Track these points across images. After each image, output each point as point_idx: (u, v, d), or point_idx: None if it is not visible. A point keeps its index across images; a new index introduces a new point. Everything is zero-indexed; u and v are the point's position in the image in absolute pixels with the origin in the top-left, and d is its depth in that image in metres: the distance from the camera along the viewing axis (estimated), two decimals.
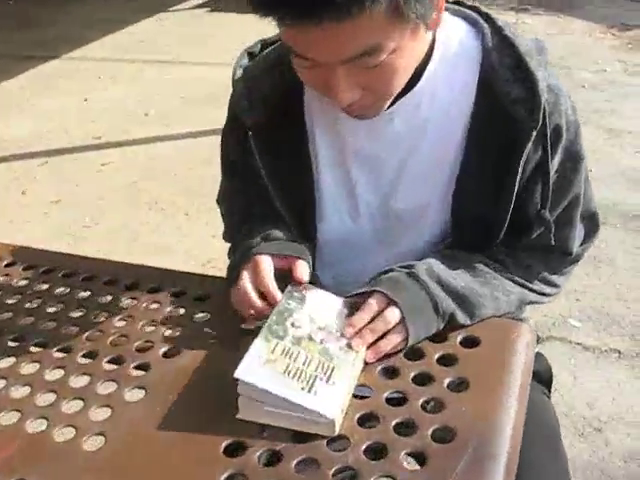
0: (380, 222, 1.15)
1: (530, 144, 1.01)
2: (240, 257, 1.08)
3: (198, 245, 3.14)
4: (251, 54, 1.18)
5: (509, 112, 1.01)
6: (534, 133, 1.01)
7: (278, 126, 1.12)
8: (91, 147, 4.25)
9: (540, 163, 1.04)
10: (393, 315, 0.96)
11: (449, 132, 1.07)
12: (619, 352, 2.38)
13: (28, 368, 1.01)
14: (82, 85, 5.35)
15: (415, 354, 0.98)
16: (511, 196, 1.05)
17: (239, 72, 1.15)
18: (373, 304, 0.98)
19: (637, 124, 4.21)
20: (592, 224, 1.20)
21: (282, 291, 1.02)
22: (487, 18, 1.08)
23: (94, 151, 4.20)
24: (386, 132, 1.08)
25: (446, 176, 1.09)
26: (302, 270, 1.05)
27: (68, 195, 3.68)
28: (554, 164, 1.06)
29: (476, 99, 1.05)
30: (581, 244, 1.20)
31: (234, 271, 1.07)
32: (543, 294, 1.16)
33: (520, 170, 1.03)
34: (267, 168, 1.14)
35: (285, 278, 1.05)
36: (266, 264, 1.03)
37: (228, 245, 1.28)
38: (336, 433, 0.86)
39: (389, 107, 1.05)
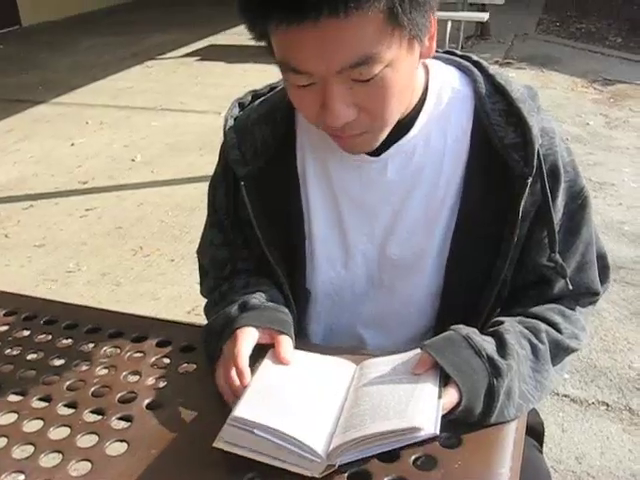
0: (374, 270, 1.14)
1: (527, 190, 1.01)
2: (222, 329, 1.04)
3: (183, 292, 3.11)
4: (242, 104, 1.18)
5: (504, 158, 1.01)
6: (529, 181, 1.00)
7: (270, 175, 1.11)
8: (77, 192, 4.24)
9: (541, 207, 1.03)
10: None
11: (444, 179, 1.06)
12: (607, 404, 2.36)
13: (5, 418, 0.98)
14: (69, 130, 5.37)
15: None
16: (510, 246, 1.04)
17: (230, 122, 1.14)
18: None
19: (620, 176, 4.26)
20: (603, 264, 1.17)
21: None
22: (479, 66, 1.08)
23: (79, 196, 4.19)
24: (379, 179, 1.07)
25: (444, 223, 1.07)
26: (285, 348, 1.01)
27: (52, 240, 3.65)
28: (558, 207, 1.05)
29: (471, 145, 1.04)
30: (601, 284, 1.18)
31: (217, 343, 1.03)
32: (578, 347, 1.11)
33: (519, 218, 1.02)
34: (258, 217, 1.12)
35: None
36: (247, 339, 1.00)
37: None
38: (321, 475, 0.83)
39: (383, 153, 1.04)
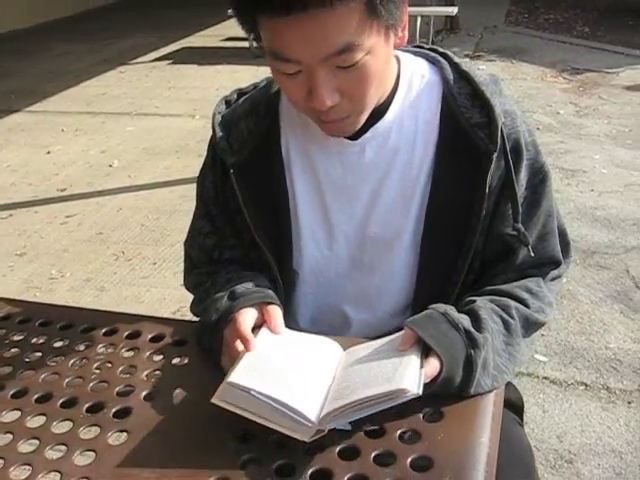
0: (356, 248, 1.21)
1: (492, 166, 1.09)
2: (216, 321, 1.10)
3: (167, 294, 3.14)
4: (228, 102, 1.26)
5: (471, 136, 1.10)
6: (494, 156, 1.09)
7: (257, 163, 1.19)
8: (55, 199, 4.25)
9: (505, 181, 1.12)
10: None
11: (417, 159, 1.14)
12: (585, 384, 2.43)
13: (8, 416, 1.02)
14: (45, 138, 5.36)
15: None
16: (479, 218, 1.11)
17: (218, 117, 1.22)
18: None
19: (590, 163, 4.36)
20: (564, 240, 1.25)
21: None
22: (445, 56, 1.18)
23: (59, 203, 4.20)
24: (358, 162, 1.15)
25: (418, 201, 1.15)
26: (276, 317, 1.08)
27: (33, 248, 3.67)
28: (520, 181, 1.13)
29: (440, 127, 1.13)
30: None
31: (214, 335, 1.09)
32: (545, 320, 1.18)
33: (487, 192, 1.10)
34: (247, 203, 1.19)
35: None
36: (247, 317, 1.07)
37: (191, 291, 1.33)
38: (310, 439, 0.89)
39: (360, 136, 1.12)
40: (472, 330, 1.01)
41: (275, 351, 1.03)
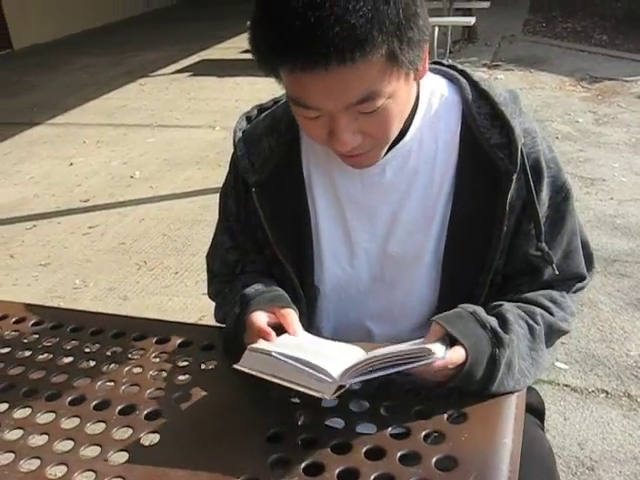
0: (377, 266, 1.22)
1: (513, 185, 1.10)
2: (234, 328, 1.14)
3: (189, 303, 3.18)
4: (249, 118, 1.27)
5: (491, 157, 1.11)
6: (514, 177, 1.09)
7: (278, 181, 1.20)
8: (78, 210, 4.31)
9: (526, 201, 1.12)
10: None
11: (437, 179, 1.15)
12: (606, 392, 2.44)
13: (44, 418, 1.05)
14: (67, 150, 5.45)
15: (415, 391, 1.03)
16: (500, 237, 1.12)
17: (239, 134, 1.24)
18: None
19: (610, 172, 4.35)
20: (587, 252, 1.26)
21: None
22: (464, 74, 1.18)
23: (81, 214, 4.26)
24: (379, 181, 1.16)
25: (439, 220, 1.16)
26: (292, 320, 1.11)
27: (57, 258, 3.73)
28: (543, 200, 1.13)
29: (460, 147, 1.14)
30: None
31: (236, 342, 1.12)
32: (568, 329, 1.20)
33: (507, 211, 1.11)
34: (269, 220, 1.21)
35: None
36: (258, 318, 1.10)
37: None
38: (332, 396, 0.92)
39: (381, 157, 1.13)
40: (499, 330, 1.04)
41: (298, 340, 1.07)
